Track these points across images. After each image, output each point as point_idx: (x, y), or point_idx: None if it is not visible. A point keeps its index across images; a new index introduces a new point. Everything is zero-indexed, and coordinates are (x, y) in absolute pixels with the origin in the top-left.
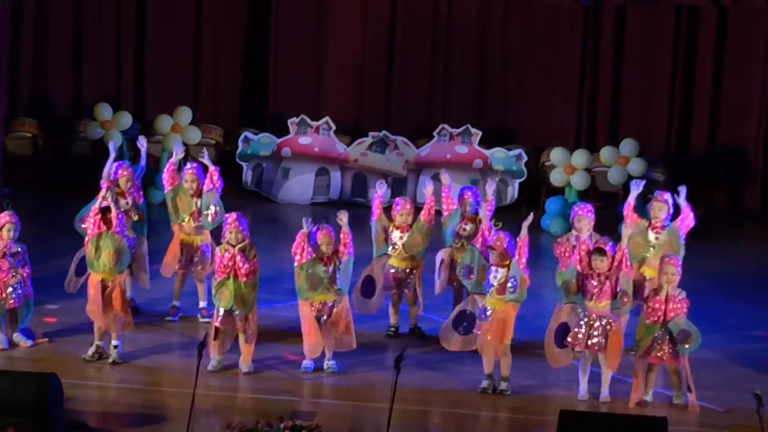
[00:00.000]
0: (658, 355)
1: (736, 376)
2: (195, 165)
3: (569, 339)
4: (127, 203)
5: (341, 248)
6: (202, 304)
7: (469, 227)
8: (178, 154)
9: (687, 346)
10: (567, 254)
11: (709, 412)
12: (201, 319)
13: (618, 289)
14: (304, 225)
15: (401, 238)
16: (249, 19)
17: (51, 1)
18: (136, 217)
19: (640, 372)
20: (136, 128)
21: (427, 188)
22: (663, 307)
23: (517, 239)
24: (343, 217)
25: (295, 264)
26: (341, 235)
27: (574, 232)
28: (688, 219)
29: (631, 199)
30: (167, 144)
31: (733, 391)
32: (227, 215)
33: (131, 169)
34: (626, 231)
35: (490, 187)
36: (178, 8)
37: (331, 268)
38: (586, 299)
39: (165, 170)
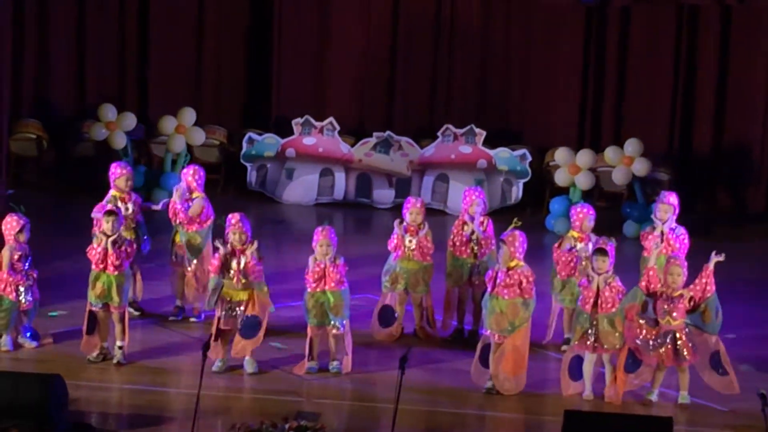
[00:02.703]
0: (658, 354)
1: (741, 376)
2: (197, 166)
3: (576, 342)
4: (128, 208)
5: (331, 279)
6: (197, 304)
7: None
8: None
9: (718, 321)
10: (563, 260)
11: (714, 412)
12: (192, 320)
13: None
14: (310, 262)
15: (411, 241)
16: (252, 19)
17: (54, 2)
18: (134, 225)
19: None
20: (140, 129)
21: (426, 231)
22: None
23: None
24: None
25: (309, 289)
26: (334, 268)
27: (573, 233)
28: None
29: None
30: (171, 145)
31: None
32: (230, 216)
33: (129, 168)
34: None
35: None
36: (181, 9)
37: (330, 297)
38: (585, 306)
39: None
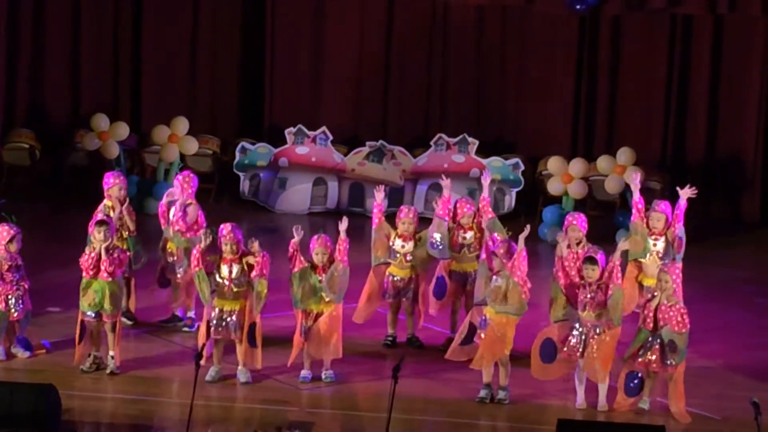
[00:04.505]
0: (645, 361)
1: (735, 384)
2: (188, 173)
3: (566, 350)
4: (121, 216)
5: (336, 255)
6: (190, 313)
7: (468, 235)
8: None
9: (674, 357)
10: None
11: (708, 421)
12: (185, 329)
13: (608, 299)
14: (295, 234)
15: (403, 246)
16: (245, 28)
17: (48, 11)
18: (126, 233)
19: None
20: (133, 139)
21: (437, 204)
22: (653, 315)
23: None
24: (343, 225)
25: (291, 273)
26: (338, 243)
27: (565, 240)
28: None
29: (636, 197)
30: (164, 154)
31: (731, 399)
32: (222, 227)
33: (123, 177)
34: (622, 245)
35: (486, 180)
36: (175, 18)
37: (324, 277)
38: (579, 309)
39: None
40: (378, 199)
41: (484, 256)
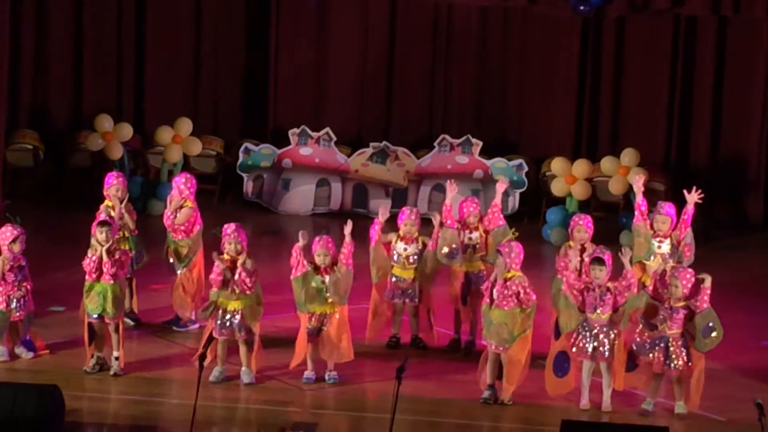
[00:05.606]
0: (649, 362)
1: (740, 386)
2: (186, 174)
3: (575, 350)
4: (122, 216)
5: (341, 257)
6: (187, 314)
7: (474, 236)
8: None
9: (707, 341)
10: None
11: (712, 422)
12: (181, 329)
13: (621, 305)
14: (299, 238)
15: (405, 249)
16: (249, 29)
17: (51, 12)
18: (127, 233)
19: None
20: (136, 140)
21: (436, 218)
22: (657, 282)
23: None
24: (347, 228)
25: (291, 277)
26: (342, 245)
27: (570, 242)
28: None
29: (639, 199)
30: (168, 155)
31: (736, 401)
32: (226, 226)
33: (122, 178)
34: (626, 258)
35: (500, 188)
36: (178, 19)
37: (328, 279)
38: (587, 311)
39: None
40: (380, 216)
41: (487, 299)
